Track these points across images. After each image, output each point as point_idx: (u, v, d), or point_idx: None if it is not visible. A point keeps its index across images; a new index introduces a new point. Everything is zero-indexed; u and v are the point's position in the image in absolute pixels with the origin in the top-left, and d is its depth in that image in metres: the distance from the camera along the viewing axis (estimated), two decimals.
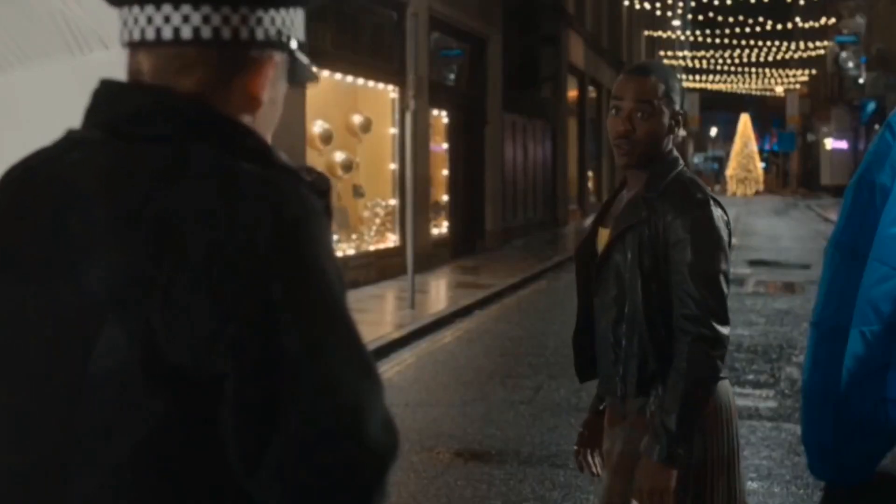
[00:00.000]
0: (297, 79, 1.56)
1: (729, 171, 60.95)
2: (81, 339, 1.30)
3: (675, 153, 3.12)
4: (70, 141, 1.44)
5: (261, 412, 1.27)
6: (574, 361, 3.27)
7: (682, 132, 3.10)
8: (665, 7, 36.65)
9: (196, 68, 1.42)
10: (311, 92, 13.26)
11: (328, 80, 14.22)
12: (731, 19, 40.12)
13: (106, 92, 1.44)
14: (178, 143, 1.36)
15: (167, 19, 1.41)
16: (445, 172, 19.27)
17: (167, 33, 1.41)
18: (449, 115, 19.24)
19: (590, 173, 34.00)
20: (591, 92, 33.70)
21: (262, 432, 1.27)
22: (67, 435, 1.30)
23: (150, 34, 1.42)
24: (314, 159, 14.13)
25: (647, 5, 36.08)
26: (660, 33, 45.73)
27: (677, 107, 3.08)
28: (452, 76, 20.18)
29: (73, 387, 1.30)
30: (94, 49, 2.56)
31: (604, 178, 36.31)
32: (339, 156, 15.28)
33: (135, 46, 1.45)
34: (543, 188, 26.69)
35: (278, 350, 1.27)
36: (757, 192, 58.27)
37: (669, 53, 52.74)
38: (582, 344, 3.24)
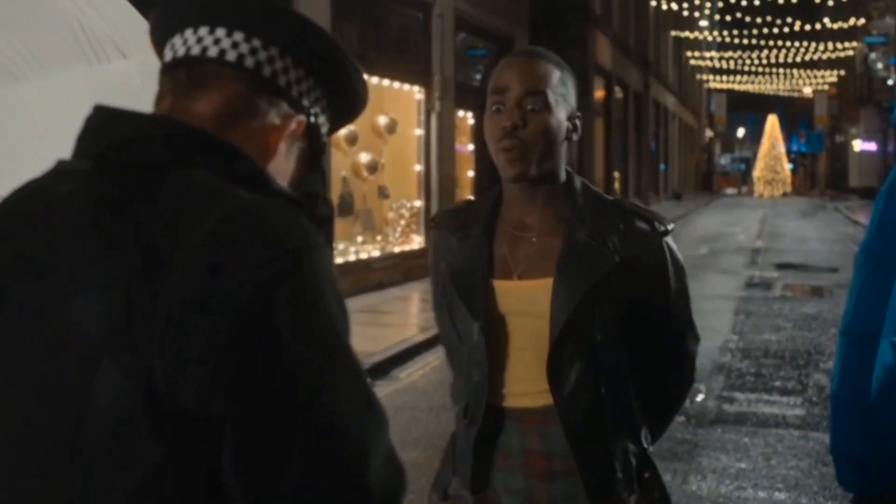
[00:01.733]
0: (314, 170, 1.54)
1: (756, 173, 60.58)
2: (77, 380, 1.24)
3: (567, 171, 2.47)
4: (60, 172, 1.39)
5: (261, 454, 1.22)
6: (471, 470, 2.43)
7: (575, 137, 2.44)
8: (692, 7, 36.45)
9: (225, 89, 1.41)
10: None
11: None
12: (758, 20, 39.90)
13: (96, 119, 1.40)
14: (171, 172, 1.31)
15: (217, 41, 1.42)
16: (471, 173, 19.19)
17: (212, 52, 1.42)
18: (475, 116, 19.10)
19: (616, 174, 33.87)
20: (618, 92, 33.57)
21: (262, 474, 1.22)
22: (65, 480, 1.25)
23: (196, 51, 1.42)
24: (339, 161, 14.12)
25: (674, 6, 35.93)
26: (687, 34, 45.52)
27: (574, 105, 2.44)
28: (479, 77, 20.14)
29: (71, 430, 1.24)
30: (111, 59, 2.52)
31: (630, 178, 36.18)
32: (364, 157, 15.25)
33: (175, 66, 1.44)
34: None
35: (278, 389, 1.22)
36: (784, 194, 57.93)
37: (696, 54, 52.53)
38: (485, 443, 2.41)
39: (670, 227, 2.42)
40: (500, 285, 2.39)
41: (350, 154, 14.89)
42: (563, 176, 2.42)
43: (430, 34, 16.05)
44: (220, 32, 1.42)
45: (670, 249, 2.42)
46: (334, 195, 13.88)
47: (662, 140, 46.22)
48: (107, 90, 1.51)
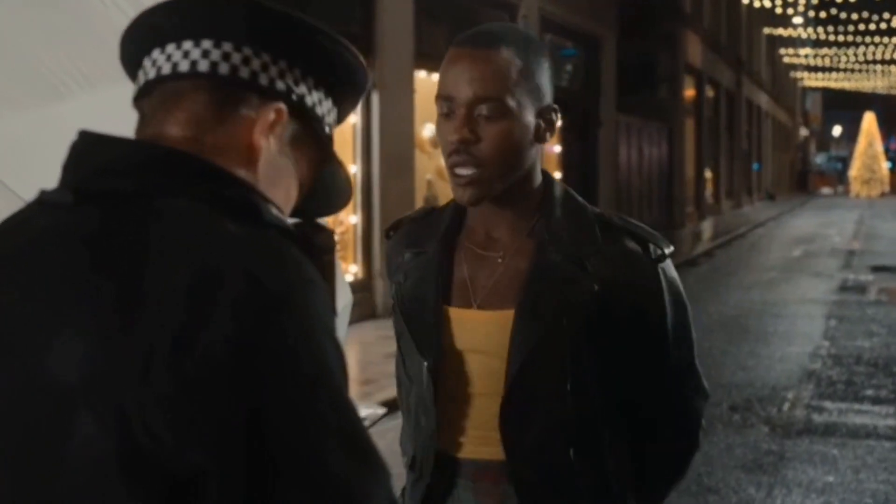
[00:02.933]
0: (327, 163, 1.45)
1: (853, 172, 59.34)
2: (53, 430, 1.17)
3: (543, 175, 2.03)
4: (40, 204, 1.32)
5: None
6: None
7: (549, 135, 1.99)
8: (785, 4, 35.80)
9: (188, 102, 1.32)
10: (421, 95, 13.23)
11: None
12: (854, 16, 39.04)
13: (79, 147, 1.32)
14: (153, 203, 1.23)
15: (169, 57, 1.34)
16: (558, 175, 19.07)
17: (166, 69, 1.33)
18: (562, 118, 18.88)
19: (708, 174, 33.41)
20: (709, 91, 33.11)
21: None
22: None
23: (152, 73, 1.34)
24: (423, 163, 14.09)
25: (766, 2, 35.31)
26: (780, 31, 44.74)
27: (548, 97, 1.97)
28: (566, 77, 19.99)
29: (47, 483, 1.17)
30: None
31: (722, 178, 35.67)
32: None
33: (139, 98, 1.37)
34: (659, 190, 26.33)
35: (263, 442, 1.13)
36: (882, 194, 56.63)
37: (790, 51, 51.66)
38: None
39: (668, 249, 1.99)
40: (456, 315, 1.99)
41: (435, 156, 14.82)
42: (537, 180, 2.00)
43: None
44: (171, 48, 1.34)
45: (668, 279, 1.99)
46: (419, 198, 13.85)
47: (755, 139, 45.51)
48: None
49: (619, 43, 21.66)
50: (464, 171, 1.89)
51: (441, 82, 1.92)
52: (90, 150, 1.30)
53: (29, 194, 2.16)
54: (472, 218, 2.03)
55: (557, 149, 19.09)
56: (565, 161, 19.25)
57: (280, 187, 1.37)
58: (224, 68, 1.33)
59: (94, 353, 1.16)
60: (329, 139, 1.45)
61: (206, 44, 1.33)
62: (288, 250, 1.22)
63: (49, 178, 2.21)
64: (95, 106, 2.22)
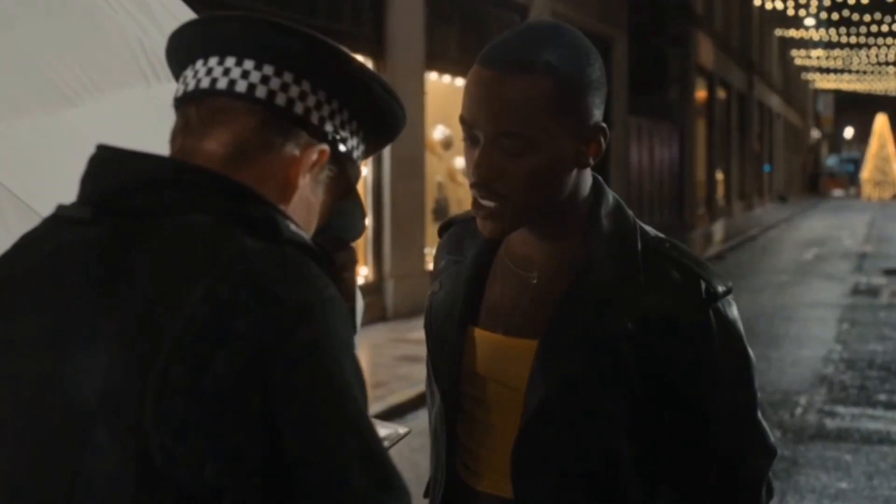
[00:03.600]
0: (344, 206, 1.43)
1: (864, 174, 59.15)
2: (69, 446, 1.16)
3: (593, 183, 1.78)
4: (57, 220, 1.31)
5: None
6: None
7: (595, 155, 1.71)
8: (798, 6, 35.72)
9: (236, 124, 1.31)
10: (432, 97, 13.22)
11: (449, 85, 14.16)
12: (866, 17, 38.92)
13: (97, 161, 1.31)
14: (172, 220, 1.21)
15: (227, 72, 1.32)
16: None
17: (222, 84, 1.32)
18: None
19: (719, 176, 33.34)
20: (721, 93, 33.05)
21: None
22: None
23: (205, 84, 1.33)
24: (434, 165, 14.06)
25: (778, 4, 35.23)
26: (792, 32, 44.64)
27: (594, 115, 1.68)
28: None
29: (62, 499, 1.15)
30: (171, 78, 2.46)
31: (733, 180, 35.59)
32: (459, 162, 15.17)
33: (185, 102, 1.35)
34: (670, 191, 26.30)
35: (283, 462, 1.11)
36: (894, 196, 56.47)
37: (802, 53, 51.54)
38: None
39: (722, 288, 1.70)
40: (481, 338, 1.78)
41: (445, 158, 14.82)
42: (583, 194, 1.74)
43: None
44: (230, 62, 1.33)
45: (723, 321, 1.69)
46: (429, 200, 13.82)
47: (767, 141, 45.42)
48: (167, 109, 1.43)
49: (630, 44, 21.63)
50: (485, 203, 1.66)
51: (463, 103, 1.68)
52: (110, 165, 1.29)
53: (36, 202, 2.14)
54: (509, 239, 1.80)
55: None
56: None
57: (300, 219, 1.35)
58: (281, 99, 1.32)
59: (112, 371, 1.15)
60: (357, 178, 1.44)
61: (268, 69, 1.32)
62: (307, 266, 1.20)
63: (57, 185, 2.19)
64: (104, 113, 2.20)
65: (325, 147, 1.35)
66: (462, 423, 1.82)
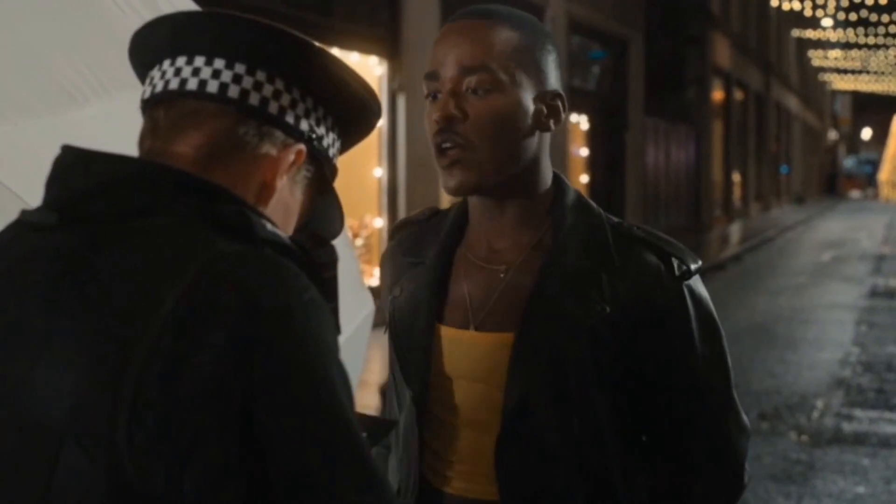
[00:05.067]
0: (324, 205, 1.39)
1: (882, 175, 58.86)
2: (39, 464, 1.11)
3: (554, 178, 1.81)
4: (22, 226, 1.26)
5: None
6: None
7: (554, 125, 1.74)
8: (815, 6, 35.57)
9: (208, 126, 1.26)
10: None
11: None
12: (884, 18, 38.74)
13: (63, 163, 1.26)
14: (141, 222, 1.17)
15: (196, 72, 1.27)
16: (585, 178, 19.01)
17: (192, 84, 1.27)
18: (589, 120, 18.98)
19: (736, 177, 33.22)
20: (738, 94, 32.93)
21: None
22: None
23: (174, 85, 1.28)
24: None
25: (796, 5, 35.09)
26: (809, 33, 44.46)
27: (552, 81, 1.73)
28: (593, 80, 19.91)
29: None
30: None
31: (750, 181, 35.46)
32: None
33: (153, 103, 1.30)
34: (687, 193, 26.22)
35: (263, 471, 1.08)
36: None
37: (820, 53, 51.33)
38: None
39: (694, 265, 1.73)
40: (450, 336, 1.75)
41: None
42: (545, 182, 1.77)
43: None
44: (199, 61, 1.28)
45: (695, 299, 1.72)
46: (444, 202, 13.77)
47: (784, 142, 45.25)
48: None
49: (647, 45, 21.56)
50: (449, 150, 1.65)
51: (430, 60, 1.70)
52: (75, 168, 1.24)
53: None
54: (475, 225, 1.80)
55: (585, 152, 19.03)
56: (592, 164, 19.20)
57: (278, 222, 1.31)
58: (254, 99, 1.27)
59: (79, 385, 1.10)
60: (334, 176, 1.40)
61: (240, 68, 1.27)
62: (285, 268, 1.16)
63: None
64: (111, 113, 2.17)
65: (302, 146, 1.31)
66: (428, 425, 1.80)
